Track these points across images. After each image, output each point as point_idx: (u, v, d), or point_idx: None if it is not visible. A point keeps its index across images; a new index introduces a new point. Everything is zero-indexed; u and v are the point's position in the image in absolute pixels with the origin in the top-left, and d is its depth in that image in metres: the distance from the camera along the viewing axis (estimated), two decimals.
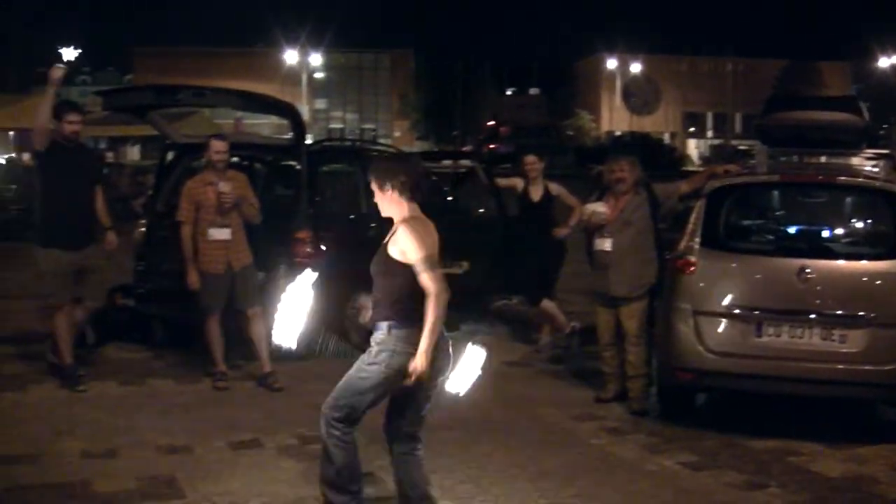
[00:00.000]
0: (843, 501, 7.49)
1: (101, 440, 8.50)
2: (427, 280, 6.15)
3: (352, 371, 6.55)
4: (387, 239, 6.42)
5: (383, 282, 6.40)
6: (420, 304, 6.20)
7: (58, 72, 10.02)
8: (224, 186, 10.24)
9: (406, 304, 6.30)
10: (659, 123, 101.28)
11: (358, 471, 6.68)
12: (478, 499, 7.35)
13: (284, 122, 12.37)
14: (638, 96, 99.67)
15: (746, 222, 10.90)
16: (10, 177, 33.18)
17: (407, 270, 6.22)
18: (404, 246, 6.23)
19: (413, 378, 6.23)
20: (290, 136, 12.44)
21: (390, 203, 6.47)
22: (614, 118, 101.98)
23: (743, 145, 66.11)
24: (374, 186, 6.55)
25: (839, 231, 10.78)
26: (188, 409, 9.61)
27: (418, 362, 6.18)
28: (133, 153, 52.26)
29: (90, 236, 10.25)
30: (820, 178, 10.14)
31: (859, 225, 11.25)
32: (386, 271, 6.38)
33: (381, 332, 6.40)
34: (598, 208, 9.88)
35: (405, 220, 6.33)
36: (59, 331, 10.26)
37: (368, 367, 6.42)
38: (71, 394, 9.96)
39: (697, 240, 9.29)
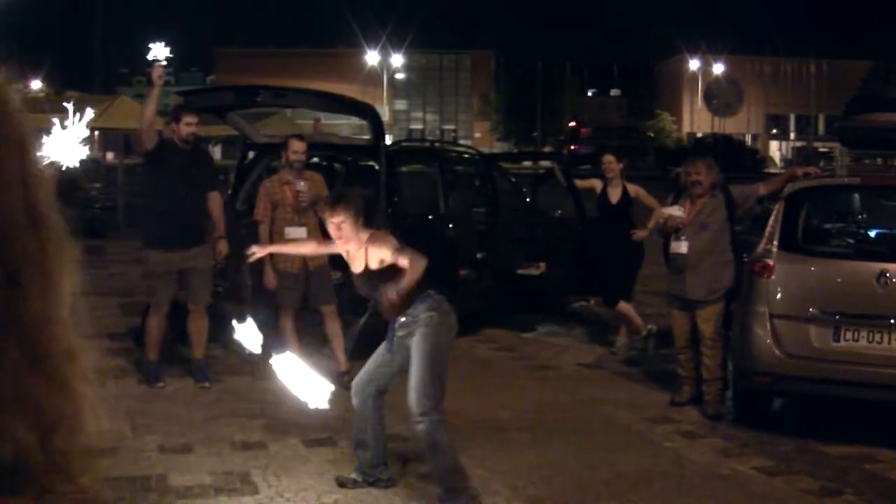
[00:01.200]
0: None
1: (177, 435, 8.62)
2: (407, 258, 7.07)
3: (419, 362, 7.08)
4: (357, 268, 7.44)
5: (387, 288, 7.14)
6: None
7: (159, 70, 10.18)
8: (301, 185, 10.32)
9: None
10: (741, 125, 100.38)
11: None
12: (550, 500, 7.35)
13: (364, 122, 12.44)
14: (720, 98, 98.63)
15: (825, 225, 10.80)
16: (95, 176, 33.62)
17: (395, 268, 7.13)
18: (380, 255, 7.23)
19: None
20: (369, 136, 12.51)
21: (355, 232, 7.37)
22: (696, 120, 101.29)
23: (825, 147, 65.41)
24: (348, 221, 7.30)
25: None
26: (263, 405, 9.68)
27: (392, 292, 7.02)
28: (215, 153, 52.86)
29: (197, 239, 10.28)
30: None
31: None
32: (382, 280, 7.18)
33: (417, 312, 7.18)
34: (675, 212, 9.83)
35: (367, 240, 7.32)
36: (150, 328, 10.40)
37: (428, 342, 7.13)
38: (149, 389, 10.09)
39: (776, 243, 9.21)
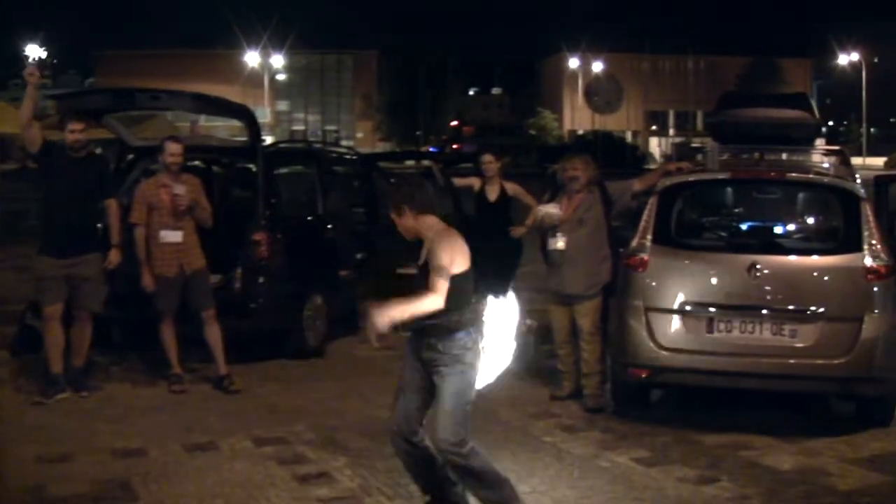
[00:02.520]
0: (794, 494, 7.55)
1: (55, 445, 8.49)
2: (433, 281, 6.39)
3: (450, 399, 6.61)
4: (422, 259, 6.70)
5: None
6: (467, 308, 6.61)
7: (31, 69, 10.03)
8: (179, 189, 10.25)
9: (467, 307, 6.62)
10: (621, 122, 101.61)
11: (497, 472, 6.75)
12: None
13: (241, 124, 12.37)
14: (600, 95, 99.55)
15: (698, 219, 10.99)
16: None
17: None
18: (435, 254, 6.49)
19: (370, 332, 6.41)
20: (246, 138, 12.45)
21: (407, 220, 6.73)
22: (577, 117, 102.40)
23: (698, 143, 66.58)
24: (392, 214, 6.77)
25: (790, 227, 10.89)
26: (144, 412, 9.61)
27: (378, 320, 6.32)
28: None
29: (85, 247, 10.10)
30: (770, 174, 10.23)
31: (810, 220, 11.36)
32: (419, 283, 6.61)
33: (449, 343, 6.56)
34: (551, 209, 9.93)
35: (437, 233, 6.64)
36: (46, 339, 10.24)
37: (461, 381, 6.60)
38: (26, 399, 9.93)
39: (649, 237, 9.36)
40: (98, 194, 10.25)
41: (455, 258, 6.47)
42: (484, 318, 6.81)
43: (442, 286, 6.36)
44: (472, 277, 6.65)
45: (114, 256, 10.24)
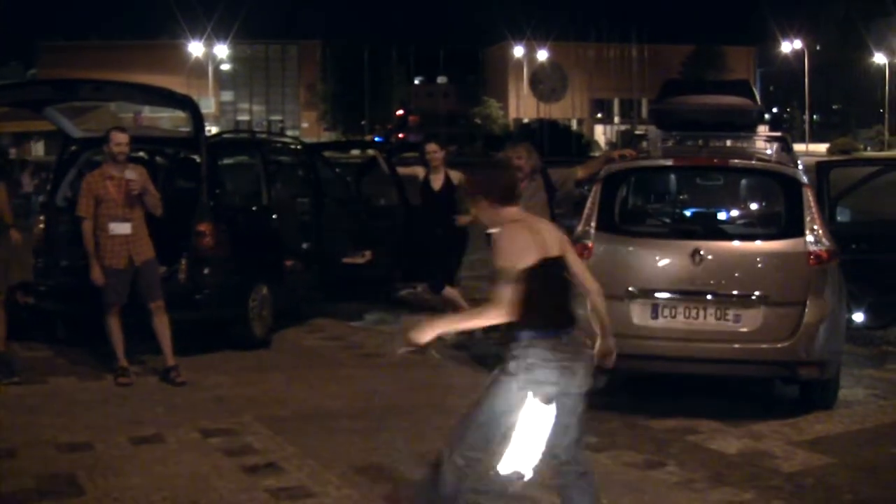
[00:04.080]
0: (740, 476, 7.61)
1: (0, 440, 8.42)
2: (492, 290, 5.54)
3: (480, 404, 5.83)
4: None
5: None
6: (552, 308, 5.74)
7: None
8: (130, 174, 10.19)
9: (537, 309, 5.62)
10: (567, 110, 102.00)
11: None
12: (380, 486, 7.38)
13: (185, 114, 12.32)
14: (545, 83, 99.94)
15: (642, 206, 11.06)
16: None
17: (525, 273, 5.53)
18: (493, 254, 5.59)
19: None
20: (189, 128, 12.39)
21: (484, 212, 5.85)
22: (522, 105, 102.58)
23: (640, 130, 67.06)
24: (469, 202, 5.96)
25: (733, 213, 10.98)
26: (90, 406, 9.54)
27: (417, 335, 5.70)
28: (38, 149, 51.56)
29: None
30: (713, 161, 10.30)
31: (753, 206, 11.46)
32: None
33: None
34: None
35: (501, 227, 5.72)
36: None
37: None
38: None
39: (593, 224, 9.39)
40: None
41: (517, 253, 5.53)
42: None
43: (501, 294, 5.46)
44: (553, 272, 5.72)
45: (15, 235, 10.38)
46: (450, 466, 5.76)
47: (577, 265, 5.98)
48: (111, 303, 10.30)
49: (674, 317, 9.03)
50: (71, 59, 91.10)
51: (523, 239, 5.57)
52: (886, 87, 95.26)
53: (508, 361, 5.63)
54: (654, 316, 9.06)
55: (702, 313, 8.98)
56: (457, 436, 5.83)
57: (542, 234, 5.67)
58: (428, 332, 5.70)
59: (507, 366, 5.63)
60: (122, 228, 10.25)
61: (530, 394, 5.56)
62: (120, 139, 10.32)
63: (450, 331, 6.02)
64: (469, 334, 12.19)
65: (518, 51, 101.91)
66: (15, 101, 11.16)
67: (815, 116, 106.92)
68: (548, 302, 5.67)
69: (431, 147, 12.49)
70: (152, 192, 10.45)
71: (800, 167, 9.89)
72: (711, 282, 8.97)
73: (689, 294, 9.01)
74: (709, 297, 8.96)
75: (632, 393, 10.03)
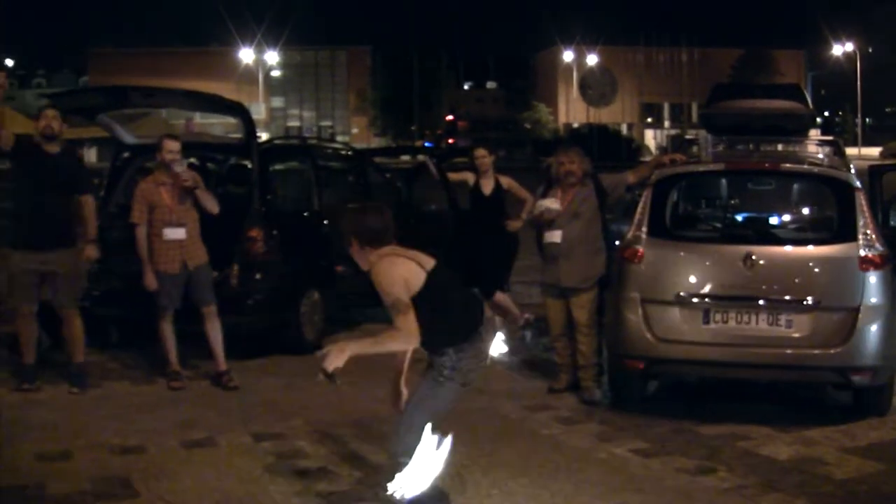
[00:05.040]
0: (791, 483, 7.57)
1: (55, 442, 8.50)
2: (393, 319, 6.06)
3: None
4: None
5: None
6: (446, 326, 6.29)
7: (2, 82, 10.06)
8: (179, 167, 10.26)
9: (431, 330, 6.20)
10: (616, 115, 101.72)
11: None
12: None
13: (235, 120, 12.39)
14: (595, 88, 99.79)
15: (693, 211, 11.02)
16: None
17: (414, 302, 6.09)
18: (379, 289, 6.13)
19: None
20: (240, 135, 12.47)
21: (356, 253, 6.40)
22: (572, 110, 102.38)
23: (691, 135, 66.86)
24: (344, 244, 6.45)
25: (784, 217, 10.93)
26: (143, 409, 9.62)
27: (333, 353, 5.98)
28: (90, 155, 51.97)
29: (57, 242, 10.04)
30: (765, 165, 10.25)
31: (804, 211, 11.40)
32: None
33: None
34: (551, 204, 9.94)
35: (372, 265, 6.26)
36: (20, 331, 10.31)
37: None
38: (26, 397, 9.94)
39: (644, 229, 9.37)
40: (71, 188, 10.21)
41: (400, 281, 6.08)
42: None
43: (402, 320, 6.00)
44: (445, 285, 6.30)
45: (89, 251, 10.23)
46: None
47: None
48: (164, 307, 10.38)
49: (725, 322, 8.99)
50: (122, 66, 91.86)
51: (401, 266, 6.12)
52: None
53: (444, 368, 6.37)
54: (706, 321, 9.03)
55: (753, 318, 8.94)
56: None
57: (415, 256, 6.24)
58: (336, 358, 5.95)
59: (445, 371, 6.37)
60: (176, 234, 10.33)
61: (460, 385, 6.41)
62: (171, 146, 10.39)
63: (360, 353, 6.06)
64: (521, 339, 12.24)
65: (567, 55, 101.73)
66: (68, 108, 11.24)
67: (867, 120, 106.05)
68: (455, 312, 6.32)
69: (480, 152, 12.50)
70: (204, 189, 10.52)
71: (852, 171, 9.83)
72: (763, 287, 8.92)
73: (740, 299, 8.96)
74: (761, 302, 8.91)
75: (682, 398, 10.03)
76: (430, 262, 6.30)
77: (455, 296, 6.45)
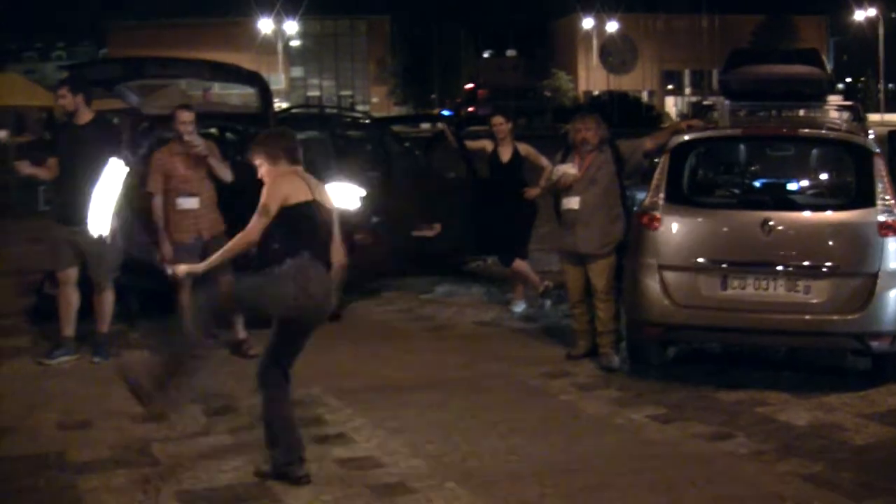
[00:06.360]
0: (809, 449, 7.57)
1: (75, 412, 8.57)
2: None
3: None
4: None
5: None
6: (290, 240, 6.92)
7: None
8: (190, 136, 10.27)
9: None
10: (637, 82, 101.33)
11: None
12: (449, 457, 7.42)
13: (253, 90, 12.40)
14: (615, 55, 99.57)
15: (710, 176, 11.00)
16: None
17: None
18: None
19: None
20: (258, 104, 12.47)
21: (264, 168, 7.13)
22: (592, 78, 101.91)
23: (709, 101, 66.45)
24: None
25: (803, 183, 10.90)
26: None
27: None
28: None
29: (84, 215, 9.94)
30: (782, 130, 10.22)
31: (823, 176, 11.37)
32: None
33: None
34: (569, 169, 9.93)
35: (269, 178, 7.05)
36: (59, 300, 10.38)
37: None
38: (45, 368, 9.99)
39: (662, 195, 9.35)
40: (100, 159, 10.22)
41: (279, 196, 6.85)
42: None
43: (255, 221, 6.88)
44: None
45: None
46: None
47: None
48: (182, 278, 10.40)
49: (743, 288, 8.99)
50: (141, 38, 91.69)
51: (288, 184, 6.90)
52: None
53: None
54: (724, 287, 9.02)
55: (771, 284, 8.93)
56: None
57: (308, 181, 7.01)
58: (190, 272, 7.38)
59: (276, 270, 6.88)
60: (189, 203, 10.36)
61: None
62: (185, 117, 10.40)
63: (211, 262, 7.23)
64: (540, 307, 12.27)
65: (587, 23, 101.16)
66: (87, 80, 11.25)
67: (889, 85, 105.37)
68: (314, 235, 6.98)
69: (497, 120, 12.46)
70: (218, 158, 10.53)
71: (871, 136, 9.79)
72: (781, 253, 8.91)
73: (758, 265, 8.95)
74: (779, 268, 8.90)
75: (700, 365, 10.03)
76: (316, 195, 7.02)
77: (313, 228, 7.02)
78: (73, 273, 10.23)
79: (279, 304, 6.91)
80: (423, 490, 6.79)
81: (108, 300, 10.37)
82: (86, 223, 9.99)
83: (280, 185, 6.90)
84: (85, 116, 10.18)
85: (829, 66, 11.68)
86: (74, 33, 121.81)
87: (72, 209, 10.09)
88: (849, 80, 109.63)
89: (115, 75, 12.52)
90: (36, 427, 8.21)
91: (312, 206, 6.94)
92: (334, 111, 18.17)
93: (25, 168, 10.57)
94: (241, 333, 10.47)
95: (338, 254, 7.30)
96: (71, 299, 10.30)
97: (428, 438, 7.79)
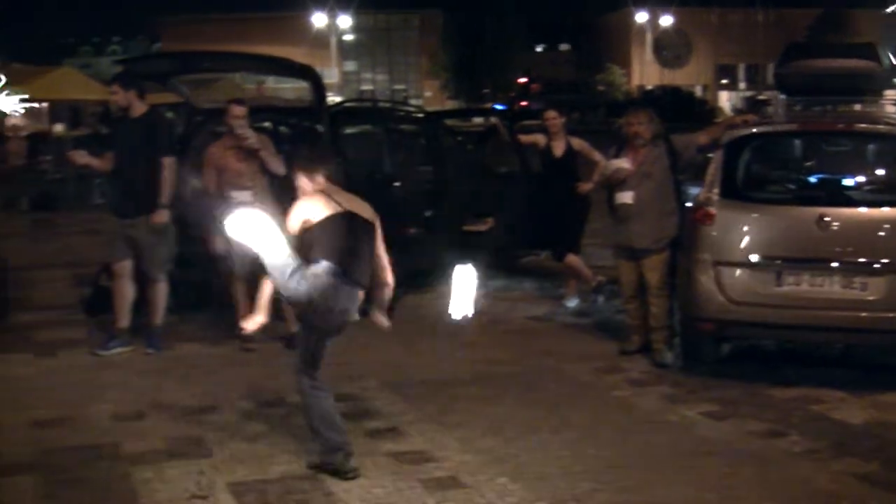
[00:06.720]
0: (864, 448, 7.50)
1: (129, 403, 8.64)
2: None
3: None
4: None
5: None
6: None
7: None
8: (242, 129, 10.32)
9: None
10: (690, 76, 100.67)
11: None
12: (501, 451, 7.42)
13: (306, 84, 12.42)
14: (669, 49, 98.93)
15: (765, 172, 10.88)
16: (45, 148, 33.38)
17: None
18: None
19: None
20: (311, 98, 12.49)
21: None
22: (645, 72, 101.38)
23: (764, 96, 65.70)
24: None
25: (859, 178, 10.75)
26: (215, 370, 9.73)
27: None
28: None
29: (136, 209, 10.19)
30: (838, 125, 10.12)
31: (879, 171, 11.21)
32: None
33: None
34: (623, 164, 9.89)
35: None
36: (116, 292, 10.49)
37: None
38: (100, 359, 10.08)
39: (716, 190, 9.29)
40: (152, 151, 10.26)
41: (297, 215, 7.04)
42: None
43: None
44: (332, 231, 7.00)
45: (157, 216, 10.20)
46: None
47: None
48: (234, 270, 10.46)
49: (798, 284, 8.91)
50: (195, 32, 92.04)
51: (312, 205, 7.06)
52: None
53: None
54: (778, 283, 8.95)
55: (827, 281, 8.84)
56: None
57: (335, 198, 7.15)
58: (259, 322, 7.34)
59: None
60: (242, 196, 10.39)
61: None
62: (237, 111, 10.45)
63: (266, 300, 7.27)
64: (593, 302, 12.24)
65: (641, 16, 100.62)
66: (140, 74, 11.33)
67: None
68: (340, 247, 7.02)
69: (550, 114, 12.42)
70: (270, 151, 10.55)
71: None
72: (837, 249, 8.82)
73: (813, 261, 8.87)
74: (834, 264, 8.81)
75: (754, 361, 9.95)
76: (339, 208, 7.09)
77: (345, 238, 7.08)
78: (127, 265, 10.32)
79: (294, 304, 7.20)
80: (474, 485, 6.79)
81: (161, 292, 10.45)
82: (137, 216, 10.08)
83: (303, 207, 7.08)
84: (138, 110, 10.27)
85: (886, 60, 11.53)
86: (129, 28, 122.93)
87: (126, 202, 10.19)
88: None
89: (169, 69, 12.60)
90: (90, 418, 8.28)
91: (338, 219, 7.03)
92: (387, 105, 18.19)
93: (81, 157, 10.68)
94: (294, 326, 10.49)
95: (382, 272, 7.51)
96: (126, 291, 10.39)
97: (480, 433, 7.79)
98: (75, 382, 9.34)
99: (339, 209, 7.03)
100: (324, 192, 7.13)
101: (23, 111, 38.57)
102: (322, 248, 6.91)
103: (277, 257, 6.87)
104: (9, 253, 13.04)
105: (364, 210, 7.29)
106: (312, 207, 7.02)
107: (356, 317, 7.25)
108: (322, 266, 6.86)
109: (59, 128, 41.84)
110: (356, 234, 7.12)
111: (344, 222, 7.03)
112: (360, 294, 7.18)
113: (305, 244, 6.95)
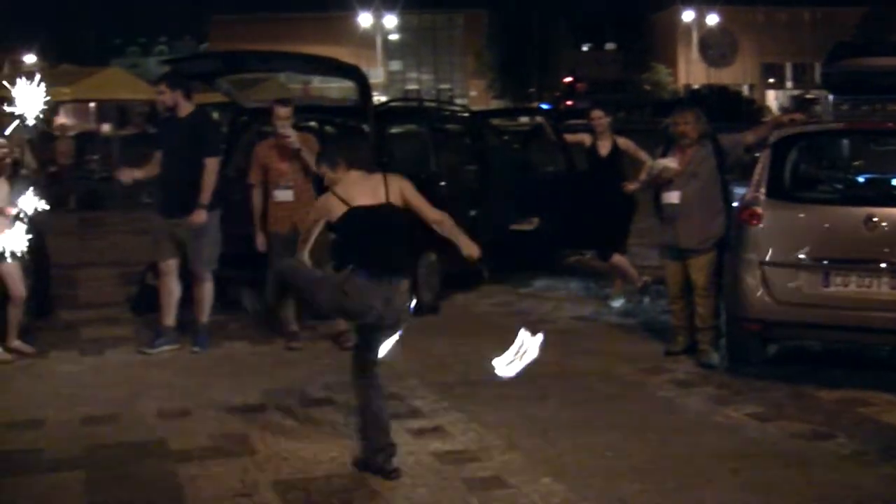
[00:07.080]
0: None
1: (175, 401, 8.70)
2: None
3: None
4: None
5: None
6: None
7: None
8: (286, 130, 10.36)
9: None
10: (737, 75, 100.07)
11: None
12: (545, 452, 7.40)
13: (352, 84, 12.45)
14: (715, 48, 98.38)
15: (812, 171, 10.83)
16: (92, 147, 33.64)
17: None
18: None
19: None
20: (357, 98, 12.52)
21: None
22: (691, 71, 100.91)
23: (811, 95, 65.22)
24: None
25: None
26: (261, 369, 9.78)
27: None
28: None
29: (182, 208, 10.20)
30: (887, 125, 10.03)
31: None
32: None
33: None
34: (670, 163, 9.85)
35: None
36: (162, 291, 10.57)
37: None
38: (146, 357, 10.15)
39: (763, 190, 9.24)
40: (196, 151, 10.29)
41: (318, 208, 7.29)
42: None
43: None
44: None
45: (195, 216, 10.17)
46: None
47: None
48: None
49: (846, 285, 8.84)
50: (242, 32, 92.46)
51: (326, 200, 7.14)
52: None
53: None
54: (826, 284, 8.88)
55: (875, 282, 8.77)
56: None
57: (321, 204, 7.30)
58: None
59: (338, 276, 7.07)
60: (284, 195, 10.47)
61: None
62: (282, 112, 10.50)
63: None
64: (639, 302, 12.20)
65: (687, 15, 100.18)
66: (187, 74, 11.39)
67: None
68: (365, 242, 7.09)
69: (596, 113, 12.40)
70: (313, 151, 10.57)
71: None
72: (885, 249, 8.73)
73: (861, 262, 8.80)
74: (882, 265, 8.73)
75: (800, 362, 9.89)
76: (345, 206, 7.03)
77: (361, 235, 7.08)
78: (173, 264, 10.38)
79: (331, 306, 7.28)
80: (518, 485, 6.78)
81: (207, 291, 10.50)
82: (182, 215, 10.12)
83: (325, 200, 7.18)
84: (185, 110, 10.33)
85: None
86: (176, 28, 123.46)
87: (171, 201, 10.25)
88: None
89: (215, 69, 12.65)
90: (137, 415, 8.34)
91: (346, 218, 7.03)
92: (433, 104, 18.19)
93: (127, 175, 10.74)
94: (342, 325, 10.52)
95: (434, 224, 7.65)
96: (172, 290, 10.45)
97: (524, 433, 7.78)
98: (122, 380, 9.42)
99: (345, 207, 6.99)
100: (341, 186, 7.08)
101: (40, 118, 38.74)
102: (346, 243, 7.16)
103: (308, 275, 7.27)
104: (56, 251, 13.12)
105: (374, 195, 7.08)
106: (330, 205, 7.09)
107: (409, 311, 7.34)
108: (348, 270, 6.96)
109: (106, 127, 42.10)
110: (366, 227, 7.03)
111: (353, 220, 7.01)
112: (402, 284, 7.17)
113: (336, 234, 7.20)
